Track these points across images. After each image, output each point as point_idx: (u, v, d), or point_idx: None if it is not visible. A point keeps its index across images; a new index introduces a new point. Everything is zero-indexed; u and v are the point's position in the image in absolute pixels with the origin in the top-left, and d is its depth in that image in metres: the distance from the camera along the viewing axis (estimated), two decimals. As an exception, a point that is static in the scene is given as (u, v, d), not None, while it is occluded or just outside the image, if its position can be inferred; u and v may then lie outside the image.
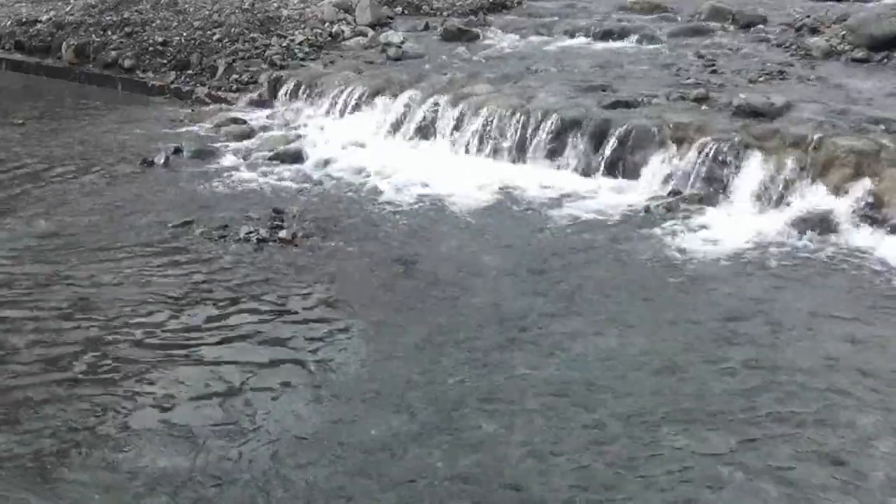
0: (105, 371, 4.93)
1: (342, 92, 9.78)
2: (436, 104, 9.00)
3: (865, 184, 6.81)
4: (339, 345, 5.22)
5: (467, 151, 8.56)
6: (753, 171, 7.22)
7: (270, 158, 8.66)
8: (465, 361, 5.00)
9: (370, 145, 8.93)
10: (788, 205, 6.96)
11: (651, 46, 10.99)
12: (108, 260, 6.35)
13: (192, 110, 10.52)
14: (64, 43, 12.64)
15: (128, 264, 6.29)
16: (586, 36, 11.67)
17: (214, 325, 5.44)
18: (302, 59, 11.18)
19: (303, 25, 12.17)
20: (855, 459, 4.14)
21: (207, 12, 12.81)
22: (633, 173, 7.76)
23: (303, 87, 10.24)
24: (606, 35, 11.56)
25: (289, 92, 10.32)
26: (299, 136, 9.25)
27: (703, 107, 8.25)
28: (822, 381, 4.76)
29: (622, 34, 11.53)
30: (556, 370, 4.90)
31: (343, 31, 12.10)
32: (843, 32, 10.27)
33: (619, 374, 4.86)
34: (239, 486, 4.00)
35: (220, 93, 10.95)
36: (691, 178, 7.43)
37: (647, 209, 7.24)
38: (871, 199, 6.74)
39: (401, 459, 4.17)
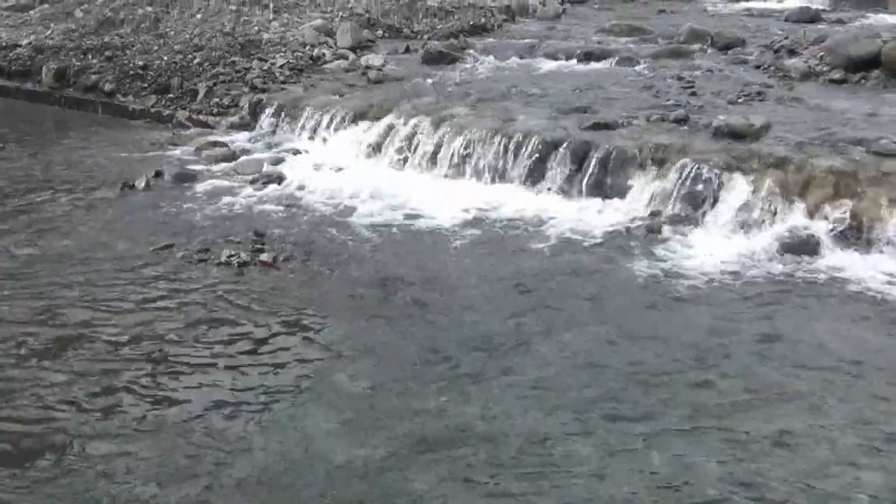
0: (84, 390, 4.88)
1: (323, 115, 9.79)
2: (416, 127, 9.01)
3: (845, 204, 6.87)
4: (322, 368, 5.18)
5: (448, 174, 8.57)
6: (733, 192, 7.26)
7: (252, 181, 8.64)
8: (446, 383, 4.98)
9: (351, 168, 8.93)
10: (769, 225, 7.00)
11: (631, 68, 11.07)
12: (89, 283, 6.30)
13: (173, 134, 10.49)
14: (44, 67, 12.57)
15: (108, 288, 6.23)
16: (567, 58, 11.75)
17: (194, 350, 5.40)
18: (283, 83, 11.17)
19: (283, 49, 12.18)
20: (835, 479, 4.17)
21: (188, 36, 12.81)
22: (614, 194, 7.79)
23: (284, 111, 10.24)
24: (587, 57, 11.65)
25: (270, 115, 10.31)
26: (280, 159, 9.23)
27: (683, 128, 8.31)
28: (799, 402, 4.79)
29: (602, 56, 11.64)
30: (538, 391, 4.89)
31: (324, 55, 12.12)
32: (821, 53, 10.40)
33: (603, 391, 4.87)
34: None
35: (201, 116, 10.93)
36: (672, 199, 7.46)
37: (627, 230, 7.26)
38: (850, 219, 6.80)
39: (374, 485, 4.15)
